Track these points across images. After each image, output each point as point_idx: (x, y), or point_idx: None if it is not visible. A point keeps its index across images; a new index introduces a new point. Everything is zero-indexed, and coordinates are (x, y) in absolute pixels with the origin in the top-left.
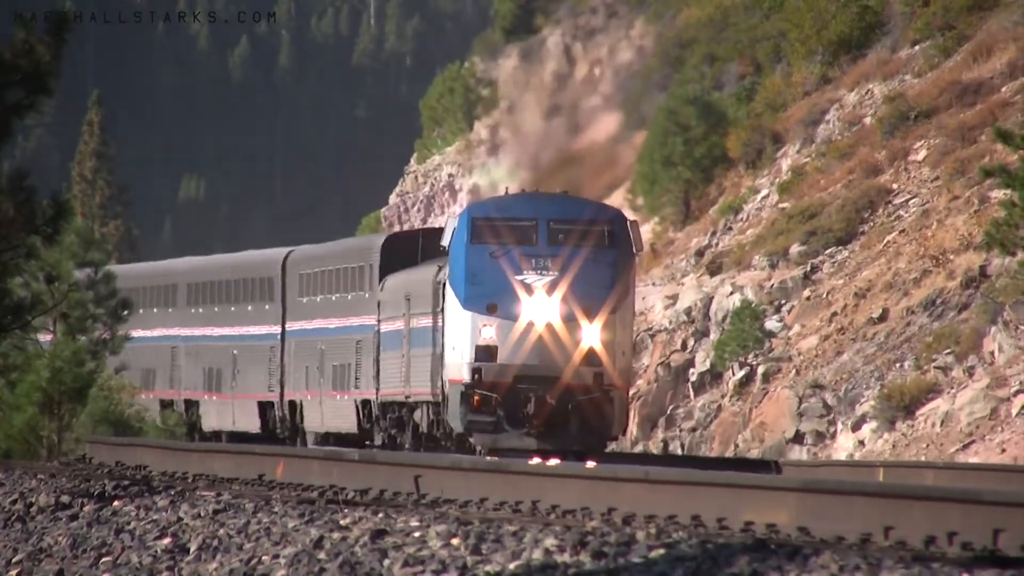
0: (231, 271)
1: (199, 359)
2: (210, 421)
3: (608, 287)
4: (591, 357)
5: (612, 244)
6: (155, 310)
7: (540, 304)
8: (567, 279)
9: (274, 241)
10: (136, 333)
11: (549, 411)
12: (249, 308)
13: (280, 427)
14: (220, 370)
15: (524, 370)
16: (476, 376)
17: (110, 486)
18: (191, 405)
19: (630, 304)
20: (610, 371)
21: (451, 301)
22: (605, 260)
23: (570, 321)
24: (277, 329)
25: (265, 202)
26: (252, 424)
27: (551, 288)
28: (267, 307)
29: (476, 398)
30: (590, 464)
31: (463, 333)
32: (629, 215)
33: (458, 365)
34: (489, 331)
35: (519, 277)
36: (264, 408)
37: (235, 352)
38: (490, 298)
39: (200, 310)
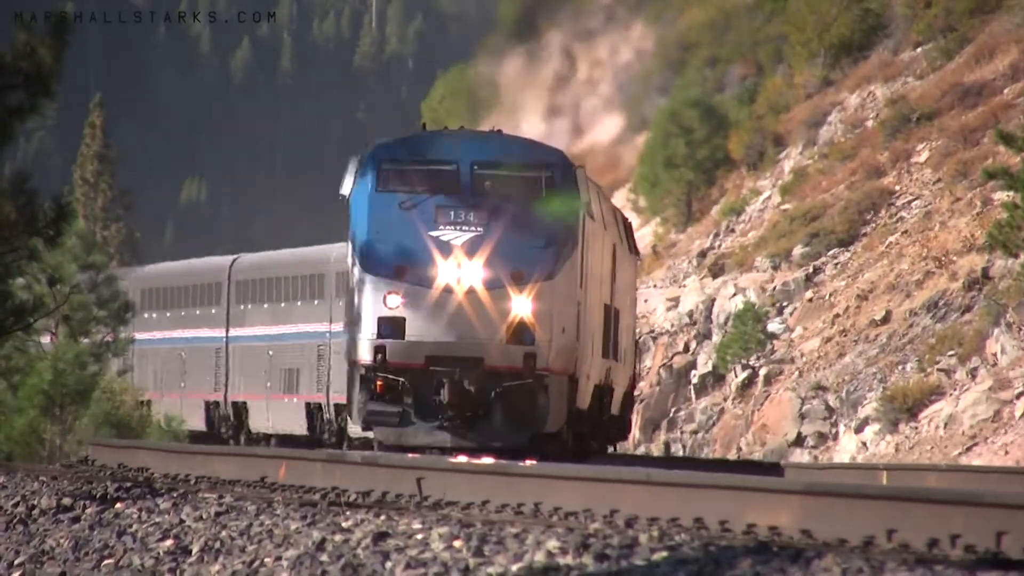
0: None
1: None
2: (357, 426)
3: (545, 246)
4: (521, 333)
5: (552, 194)
6: (299, 303)
7: (459, 267)
8: (494, 236)
9: (275, 244)
10: (277, 329)
11: (468, 400)
12: None
13: None
14: None
15: (438, 349)
16: (378, 356)
17: (112, 488)
18: (341, 409)
19: (575, 268)
20: (545, 351)
21: (351, 262)
22: (542, 213)
23: (496, 288)
24: None
25: (267, 204)
26: None
27: (473, 247)
28: None
29: (379, 383)
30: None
31: (364, 303)
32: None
33: (357, 342)
34: (395, 300)
35: (434, 233)
36: None
37: None
38: (398, 259)
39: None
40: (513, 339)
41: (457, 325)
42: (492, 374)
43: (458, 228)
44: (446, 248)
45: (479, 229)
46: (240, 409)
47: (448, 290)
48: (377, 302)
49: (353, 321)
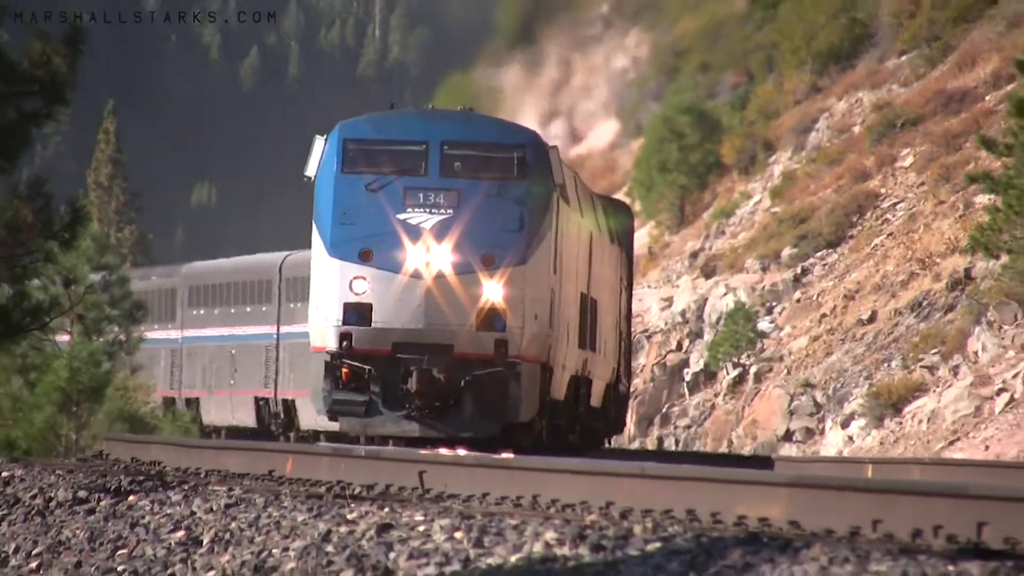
0: None
1: None
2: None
3: (517, 230)
4: (492, 320)
5: (524, 175)
6: None
7: (428, 251)
8: (464, 219)
9: (284, 247)
10: None
11: (437, 388)
12: None
13: None
14: None
15: (406, 335)
16: (344, 343)
17: (126, 481)
18: None
19: (549, 252)
20: (517, 338)
21: (316, 246)
22: (514, 195)
23: (466, 273)
24: None
25: (275, 208)
26: None
27: (442, 230)
28: None
29: (344, 371)
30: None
31: (329, 287)
32: None
33: (322, 329)
34: (362, 285)
35: (402, 216)
36: None
37: None
38: (364, 242)
39: None
40: (484, 325)
41: (426, 311)
42: (462, 362)
43: (427, 211)
44: (414, 232)
45: (449, 212)
46: (290, 406)
47: (416, 275)
48: (343, 287)
49: (318, 307)
